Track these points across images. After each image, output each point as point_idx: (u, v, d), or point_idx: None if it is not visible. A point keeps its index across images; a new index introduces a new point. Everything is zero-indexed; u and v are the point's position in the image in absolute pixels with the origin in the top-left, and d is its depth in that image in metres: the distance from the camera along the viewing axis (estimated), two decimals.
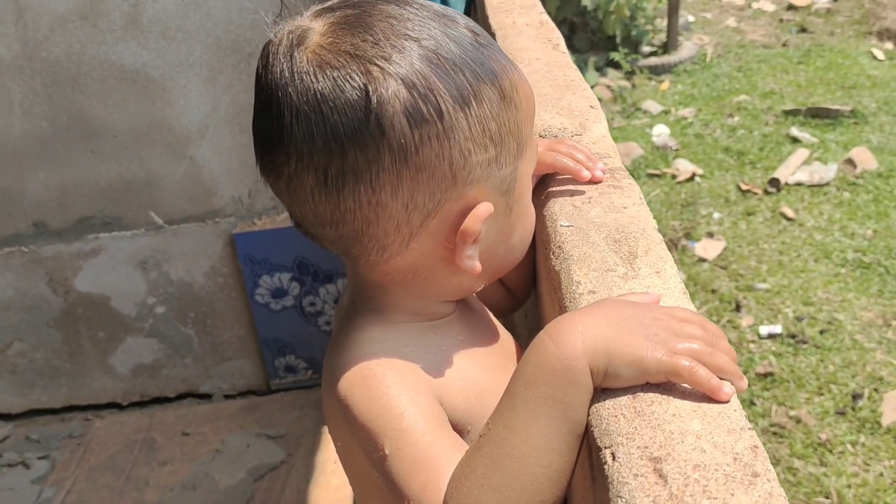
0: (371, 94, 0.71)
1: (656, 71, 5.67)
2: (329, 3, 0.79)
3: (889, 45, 5.71)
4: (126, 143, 2.35)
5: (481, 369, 0.88)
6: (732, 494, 0.60)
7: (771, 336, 3.08)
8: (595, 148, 1.16)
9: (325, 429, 2.48)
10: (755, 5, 6.57)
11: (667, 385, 0.69)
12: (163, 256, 2.49)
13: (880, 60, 5.47)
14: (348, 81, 0.71)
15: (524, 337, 1.26)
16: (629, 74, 5.60)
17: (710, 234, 3.74)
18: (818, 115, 4.71)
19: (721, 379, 0.68)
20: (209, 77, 2.29)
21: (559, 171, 1.04)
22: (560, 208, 1.02)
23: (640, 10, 5.96)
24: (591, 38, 5.67)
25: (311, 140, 0.72)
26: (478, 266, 0.81)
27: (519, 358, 0.97)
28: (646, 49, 5.87)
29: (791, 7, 6.42)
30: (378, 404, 0.74)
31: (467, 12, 2.11)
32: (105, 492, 2.35)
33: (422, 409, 0.74)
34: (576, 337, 0.69)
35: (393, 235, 0.78)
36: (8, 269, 2.50)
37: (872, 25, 5.93)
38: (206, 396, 2.67)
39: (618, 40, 5.71)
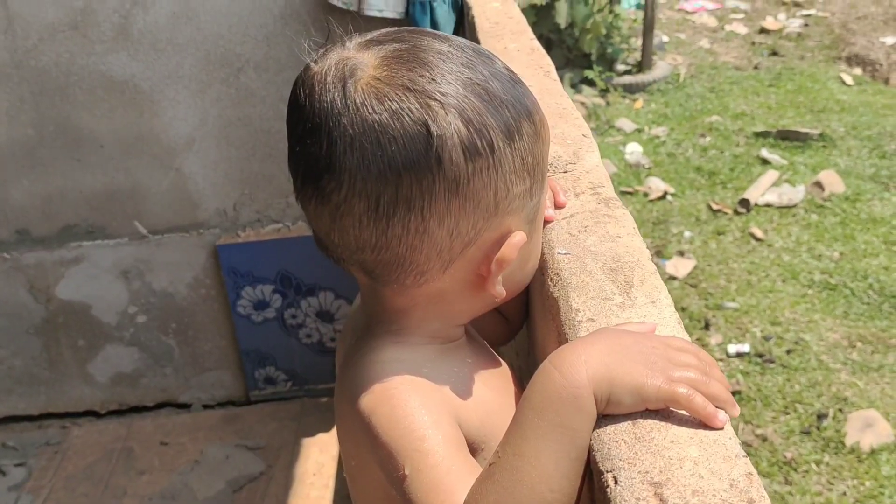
0: (431, 127, 0.74)
1: (630, 89, 5.76)
2: (372, 36, 0.82)
3: (857, 71, 5.85)
4: (113, 153, 2.36)
5: (489, 390, 0.92)
6: None
7: (739, 355, 3.14)
8: (589, 177, 1.20)
9: (305, 441, 2.50)
10: (728, 28, 6.69)
11: (665, 412, 0.74)
12: (146, 266, 2.50)
13: (849, 85, 5.60)
14: (407, 114, 0.74)
15: (510, 359, 1.30)
16: (603, 92, 5.68)
17: (681, 253, 3.81)
18: (788, 138, 4.82)
19: (716, 406, 0.72)
20: (198, 90, 2.31)
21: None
22: (557, 236, 1.06)
23: (615, 29, 6.05)
24: (566, 55, 5.75)
25: (366, 169, 0.75)
26: (503, 291, 0.85)
27: (515, 380, 1.01)
28: (620, 67, 5.96)
29: (763, 30, 6.55)
30: (402, 425, 0.77)
31: (455, 33, 2.16)
32: (83, 500, 2.35)
33: (443, 432, 0.78)
34: (580, 366, 0.73)
35: (433, 261, 0.81)
36: None
37: (842, 51, 6.07)
38: (184, 406, 2.68)
39: (593, 58, 5.79)
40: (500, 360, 1.05)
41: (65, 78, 2.28)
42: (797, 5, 6.90)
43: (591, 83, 5.68)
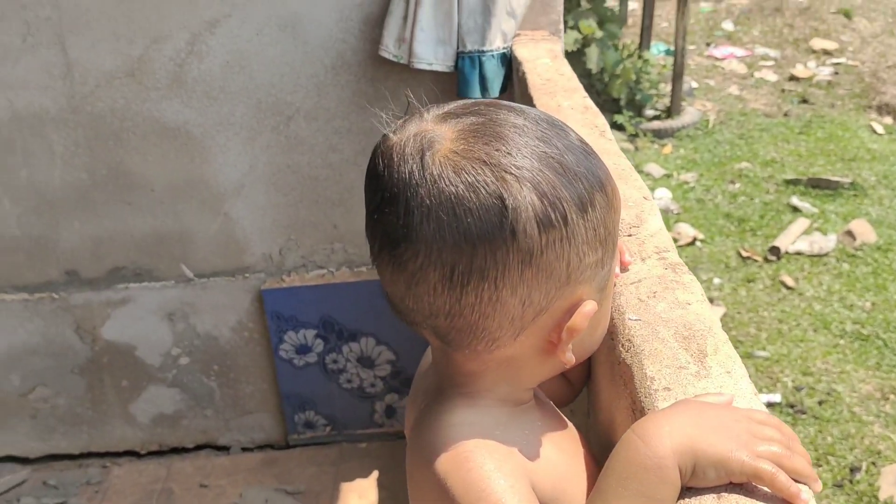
0: (506, 200, 0.77)
1: (659, 135, 5.79)
2: (449, 109, 0.84)
3: (888, 120, 5.85)
4: (163, 197, 2.41)
5: (560, 452, 0.93)
6: None
7: (770, 405, 3.13)
8: (654, 241, 1.22)
9: (343, 486, 2.51)
10: (758, 74, 6.73)
11: (749, 485, 0.75)
12: (191, 309, 2.53)
13: (879, 134, 5.61)
14: (483, 187, 0.77)
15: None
16: (632, 137, 5.71)
17: (711, 300, 3.81)
18: (818, 186, 4.82)
19: (798, 482, 0.73)
20: (248, 137, 2.35)
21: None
22: (626, 301, 1.08)
23: (644, 75, 6.10)
24: (595, 100, 5.78)
25: (442, 239, 0.77)
26: (573, 358, 0.87)
27: (582, 442, 1.02)
28: (649, 112, 6.00)
29: (793, 78, 6.58)
30: (477, 488, 0.79)
31: (504, 89, 2.20)
32: None
33: (518, 496, 0.79)
34: (664, 437, 0.75)
35: (505, 329, 0.83)
36: (37, 315, 2.53)
37: (872, 99, 6.09)
38: (224, 449, 2.70)
39: (622, 103, 5.83)
40: (568, 421, 1.07)
41: (119, 123, 2.34)
42: (827, 53, 6.93)
43: (620, 128, 5.71)
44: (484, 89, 2.18)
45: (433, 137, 0.80)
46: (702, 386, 0.91)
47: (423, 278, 0.80)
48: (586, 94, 1.84)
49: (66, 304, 2.53)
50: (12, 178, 2.39)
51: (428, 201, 0.77)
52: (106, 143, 2.36)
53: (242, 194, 2.42)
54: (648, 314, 1.05)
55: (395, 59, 2.18)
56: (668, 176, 5.16)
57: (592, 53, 5.46)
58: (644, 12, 6.57)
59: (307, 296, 2.47)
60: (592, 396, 1.21)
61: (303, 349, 2.54)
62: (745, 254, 4.21)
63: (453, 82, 2.26)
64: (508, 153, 0.78)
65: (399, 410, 2.64)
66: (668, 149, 5.60)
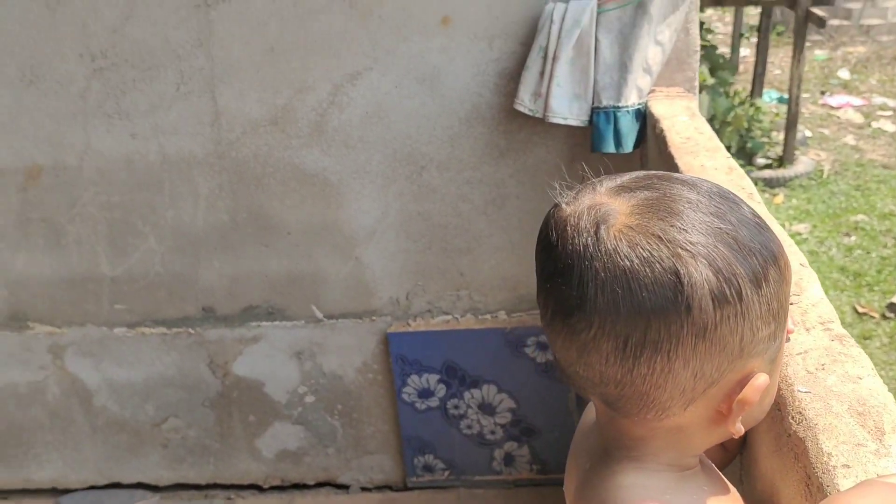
0: (682, 276, 0.78)
1: (771, 184, 5.70)
2: (622, 182, 0.86)
3: None
4: (298, 240, 2.50)
5: None
6: None
7: None
8: (817, 311, 1.21)
9: None
10: (875, 125, 6.56)
11: None
12: (318, 349, 2.61)
13: None
14: (659, 263, 0.78)
15: None
16: None
17: None
18: None
19: None
20: (382, 185, 2.43)
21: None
22: (794, 372, 1.07)
23: (756, 122, 6.03)
24: None
25: (616, 311, 0.79)
26: (742, 429, 0.88)
27: None
28: (761, 161, 5.91)
29: None
30: None
31: (637, 144, 2.21)
32: None
33: None
34: None
35: (676, 400, 0.84)
36: (174, 349, 2.65)
37: None
38: (343, 487, 2.75)
39: (733, 151, 5.77)
40: (731, 486, 1.07)
41: (261, 169, 2.44)
42: None
43: None
44: (618, 144, 2.20)
45: (608, 211, 0.82)
46: (883, 465, 0.90)
47: (595, 348, 0.82)
48: (728, 155, 1.83)
49: (202, 339, 2.63)
50: (159, 218, 2.51)
51: (602, 274, 0.79)
52: (248, 187, 2.46)
53: (374, 239, 2.49)
54: (819, 387, 1.04)
55: (530, 113, 2.22)
56: (781, 227, 5.05)
57: (703, 100, 5.42)
58: (757, 59, 6.51)
59: (432, 341, 2.52)
60: (748, 463, 1.20)
61: (425, 393, 2.58)
62: (861, 310, 4.09)
63: (586, 136, 2.29)
64: (683, 229, 0.79)
65: (517, 458, 2.65)
66: (779, 199, 5.50)
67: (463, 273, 2.50)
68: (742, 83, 6.90)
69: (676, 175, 0.89)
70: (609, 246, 0.79)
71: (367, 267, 2.52)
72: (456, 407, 2.59)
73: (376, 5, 2.26)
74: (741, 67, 7.48)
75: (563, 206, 0.86)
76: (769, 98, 6.88)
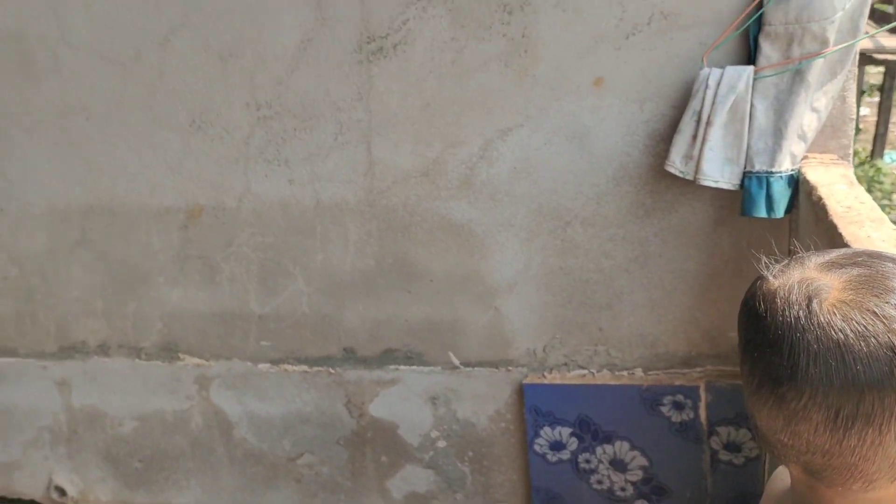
0: None
1: None
2: (832, 258, 0.89)
3: None
4: (440, 287, 2.57)
5: None
6: None
7: None
8: None
9: None
10: None
11: None
12: (453, 395, 2.66)
13: None
14: (874, 337, 0.81)
15: None
16: None
17: None
18: None
19: None
20: (526, 238, 2.48)
21: None
22: None
23: (877, 184, 5.90)
24: None
25: (829, 383, 0.82)
26: None
27: None
28: None
29: None
30: None
31: (788, 210, 2.21)
32: None
33: None
34: None
35: (884, 472, 0.86)
36: (314, 387, 2.74)
37: None
38: None
39: None
40: None
41: (409, 217, 2.53)
42: None
43: None
44: (769, 209, 2.20)
45: (820, 286, 0.85)
46: None
47: (805, 417, 0.84)
48: (893, 226, 1.83)
49: (341, 379, 2.72)
50: (309, 260, 2.62)
51: (815, 346, 0.82)
52: (395, 234, 2.55)
53: (514, 291, 2.54)
54: None
55: (680, 175, 2.25)
56: None
57: None
58: (878, 119, 6.39)
59: (567, 394, 2.54)
60: None
61: (557, 445, 2.60)
62: None
63: (734, 199, 2.31)
64: None
65: None
66: None
67: (602, 328, 2.53)
68: (862, 143, 6.76)
69: (886, 252, 0.92)
70: (822, 319, 0.82)
71: (506, 317, 2.57)
72: (587, 461, 2.60)
73: (532, 66, 2.33)
74: (861, 127, 7.33)
75: (771, 278, 0.90)
76: (890, 159, 6.72)
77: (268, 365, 2.76)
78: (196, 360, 2.82)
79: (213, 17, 2.46)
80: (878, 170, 6.01)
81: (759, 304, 0.89)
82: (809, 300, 0.85)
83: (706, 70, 2.20)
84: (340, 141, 2.51)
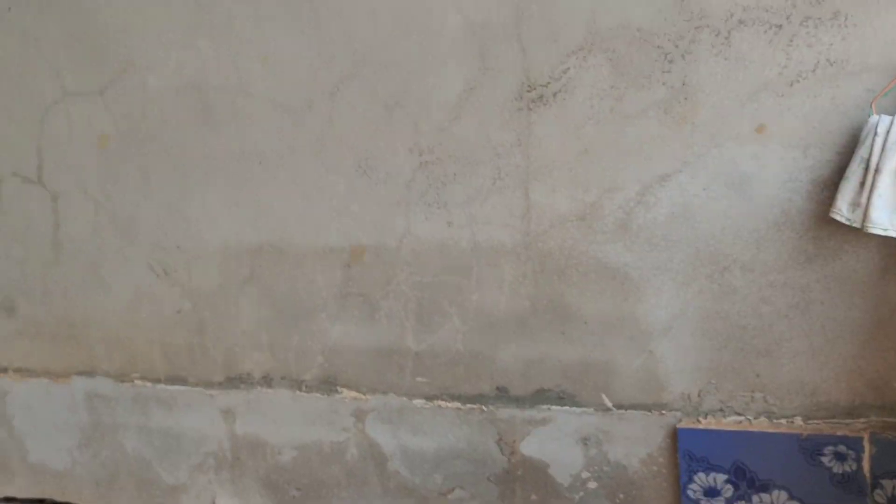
0: None
1: None
2: None
3: None
4: (594, 329, 2.61)
5: None
6: None
7: None
8: None
9: None
10: None
11: None
12: (605, 437, 2.68)
13: None
14: None
15: None
16: None
17: None
18: None
19: None
20: (683, 282, 2.49)
21: None
22: None
23: None
24: None
25: None
26: None
27: None
28: None
29: None
30: None
31: None
32: None
33: None
34: None
35: None
36: (466, 424, 2.81)
37: None
38: None
39: None
40: None
41: (565, 260, 2.58)
42: None
43: None
44: None
45: None
46: None
47: None
48: None
49: (493, 416, 2.78)
50: (465, 300, 2.71)
51: None
52: (550, 276, 2.61)
53: (669, 335, 2.55)
54: None
55: (847, 222, 2.22)
56: None
57: None
58: None
59: (722, 440, 2.52)
60: None
61: (711, 492, 2.58)
62: None
63: None
64: None
65: None
66: None
67: (759, 375, 2.50)
68: None
69: None
70: None
71: (660, 361, 2.58)
72: None
73: (691, 113, 2.36)
74: None
75: None
76: None
77: (422, 400, 2.85)
78: (354, 394, 2.93)
79: (380, 68, 2.60)
80: None
81: None
82: None
83: (875, 117, 2.18)
84: (499, 185, 2.59)
